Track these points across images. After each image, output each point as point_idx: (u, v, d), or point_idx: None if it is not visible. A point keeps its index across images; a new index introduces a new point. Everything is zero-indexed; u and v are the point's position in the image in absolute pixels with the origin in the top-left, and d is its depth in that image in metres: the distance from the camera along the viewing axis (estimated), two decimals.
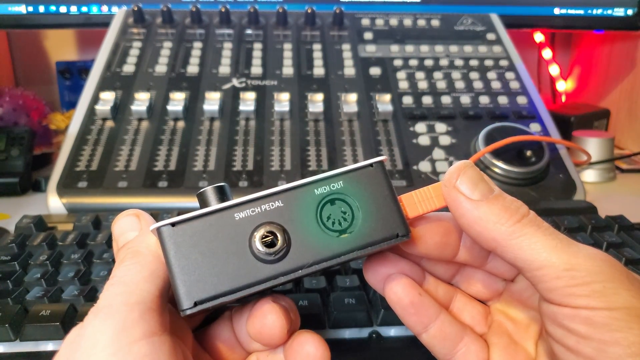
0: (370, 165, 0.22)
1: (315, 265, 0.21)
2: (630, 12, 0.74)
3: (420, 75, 0.62)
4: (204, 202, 0.22)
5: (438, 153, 0.53)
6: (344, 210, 0.22)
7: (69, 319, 0.30)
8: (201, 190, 0.22)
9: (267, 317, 0.21)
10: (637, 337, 0.18)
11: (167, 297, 0.21)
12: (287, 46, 0.65)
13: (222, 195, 0.22)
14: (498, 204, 0.21)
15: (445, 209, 0.23)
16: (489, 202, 0.21)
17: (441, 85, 0.61)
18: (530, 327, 0.24)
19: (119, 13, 0.67)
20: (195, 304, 0.20)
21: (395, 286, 0.24)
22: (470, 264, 0.25)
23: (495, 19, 0.70)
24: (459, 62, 0.64)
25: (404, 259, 0.24)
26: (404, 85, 0.60)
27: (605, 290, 0.19)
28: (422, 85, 0.61)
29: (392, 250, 0.24)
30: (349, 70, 0.62)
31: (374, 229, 0.22)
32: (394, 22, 0.69)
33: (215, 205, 0.21)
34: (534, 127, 0.56)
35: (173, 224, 0.20)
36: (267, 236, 0.21)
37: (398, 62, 0.63)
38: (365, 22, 0.69)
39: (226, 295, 0.20)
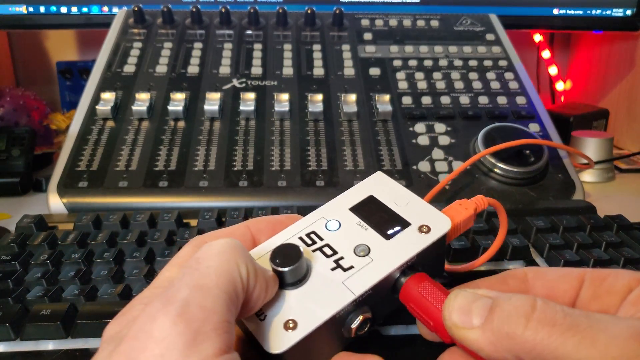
0: (443, 236, 0.25)
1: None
2: (629, 12, 0.74)
3: (419, 75, 0.62)
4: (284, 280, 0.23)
5: (437, 153, 0.53)
6: None
7: (70, 319, 0.30)
8: (283, 270, 0.23)
9: None
10: None
11: (236, 312, 0.20)
12: (287, 46, 0.65)
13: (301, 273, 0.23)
14: (499, 316, 0.19)
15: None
16: (488, 323, 0.19)
17: (440, 85, 0.61)
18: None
19: (119, 13, 0.67)
20: None
21: None
22: None
23: (494, 19, 0.70)
24: (458, 63, 0.64)
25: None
26: (403, 85, 0.61)
27: None
28: (422, 85, 0.61)
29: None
30: (349, 70, 0.62)
31: None
32: (393, 22, 0.69)
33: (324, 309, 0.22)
34: (533, 127, 0.56)
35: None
36: (361, 322, 0.23)
37: (397, 63, 0.63)
38: (365, 22, 0.69)
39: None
